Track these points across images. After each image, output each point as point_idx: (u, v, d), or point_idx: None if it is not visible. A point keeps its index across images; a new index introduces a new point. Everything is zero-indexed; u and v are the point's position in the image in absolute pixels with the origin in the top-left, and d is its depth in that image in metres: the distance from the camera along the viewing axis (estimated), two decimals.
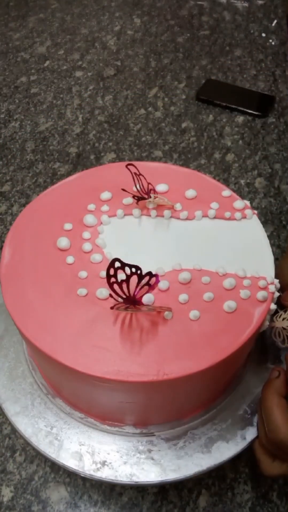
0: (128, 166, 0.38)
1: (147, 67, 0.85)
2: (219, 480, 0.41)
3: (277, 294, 0.36)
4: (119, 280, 0.31)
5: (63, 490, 0.41)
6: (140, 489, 0.41)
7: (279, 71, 0.83)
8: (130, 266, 0.31)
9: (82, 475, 0.37)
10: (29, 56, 0.89)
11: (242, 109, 0.75)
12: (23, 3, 1.03)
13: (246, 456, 0.42)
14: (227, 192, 0.41)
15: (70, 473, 0.42)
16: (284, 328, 0.37)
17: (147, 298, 0.32)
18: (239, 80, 0.82)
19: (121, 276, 0.31)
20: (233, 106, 0.75)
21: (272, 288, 0.35)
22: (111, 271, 0.31)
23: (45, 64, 0.87)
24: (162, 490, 0.41)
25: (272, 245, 0.39)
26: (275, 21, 0.95)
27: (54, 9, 1.01)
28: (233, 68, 0.84)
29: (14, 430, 0.44)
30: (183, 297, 0.34)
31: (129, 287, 0.31)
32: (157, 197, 0.40)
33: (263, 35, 0.92)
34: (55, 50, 0.90)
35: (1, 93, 0.81)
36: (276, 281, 0.36)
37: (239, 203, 0.41)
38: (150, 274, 0.31)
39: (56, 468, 0.42)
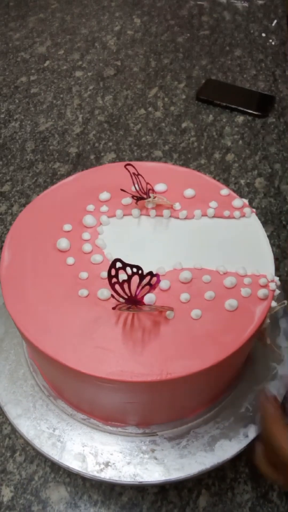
0: (127, 166, 0.38)
1: (147, 67, 0.85)
2: (219, 480, 0.41)
3: (277, 291, 0.36)
4: (120, 281, 0.31)
5: (63, 490, 0.41)
6: (140, 489, 0.41)
7: (279, 71, 0.83)
8: (132, 266, 0.31)
9: (86, 476, 0.37)
10: (29, 56, 0.89)
11: (242, 109, 0.75)
12: (23, 3, 1.03)
13: (246, 456, 0.42)
14: (225, 191, 0.42)
15: (70, 473, 0.42)
16: None
17: (148, 298, 0.32)
18: (239, 80, 0.82)
19: (122, 276, 0.31)
20: (233, 106, 0.75)
21: (272, 285, 0.35)
22: (113, 272, 0.31)
23: (45, 64, 0.87)
24: (162, 490, 0.41)
25: (272, 245, 0.39)
26: (275, 21, 0.95)
27: (54, 9, 1.01)
28: (233, 68, 0.84)
29: (14, 430, 0.44)
30: (184, 296, 0.34)
31: (130, 287, 0.31)
32: (156, 196, 0.40)
33: (263, 35, 0.92)
34: (55, 50, 0.90)
35: (1, 93, 0.81)
36: (277, 278, 0.36)
37: (238, 201, 0.41)
38: (150, 274, 0.31)
39: (56, 468, 0.42)
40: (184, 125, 0.74)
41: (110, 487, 0.41)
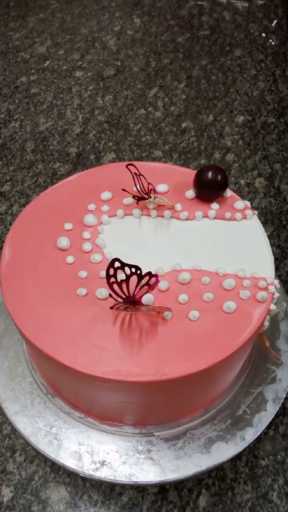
0: (129, 166, 0.38)
1: (147, 67, 0.85)
2: (219, 480, 0.41)
3: (276, 294, 0.36)
4: (119, 280, 0.31)
5: (63, 490, 0.41)
6: (140, 489, 0.41)
7: (279, 71, 0.83)
8: (130, 266, 0.31)
9: (81, 474, 0.37)
10: (29, 56, 0.89)
11: None
12: (23, 3, 1.03)
13: (246, 456, 0.42)
14: (227, 193, 0.41)
15: (70, 473, 0.42)
16: None
17: (147, 298, 0.32)
18: (239, 80, 0.82)
19: (121, 276, 0.31)
20: None
21: (272, 288, 0.35)
22: (111, 271, 0.31)
23: (45, 64, 0.87)
24: (162, 490, 0.41)
25: (272, 245, 0.39)
26: (275, 21, 0.95)
27: (54, 9, 1.01)
28: (233, 68, 0.84)
29: (14, 430, 0.44)
30: (182, 297, 0.34)
31: (129, 287, 0.31)
32: (157, 197, 0.40)
33: (263, 35, 0.92)
34: (55, 50, 0.90)
35: (1, 93, 0.81)
36: (276, 281, 0.36)
37: (239, 203, 0.41)
38: (149, 274, 0.31)
39: (56, 468, 0.42)
40: (184, 125, 0.74)
41: (110, 487, 0.41)
